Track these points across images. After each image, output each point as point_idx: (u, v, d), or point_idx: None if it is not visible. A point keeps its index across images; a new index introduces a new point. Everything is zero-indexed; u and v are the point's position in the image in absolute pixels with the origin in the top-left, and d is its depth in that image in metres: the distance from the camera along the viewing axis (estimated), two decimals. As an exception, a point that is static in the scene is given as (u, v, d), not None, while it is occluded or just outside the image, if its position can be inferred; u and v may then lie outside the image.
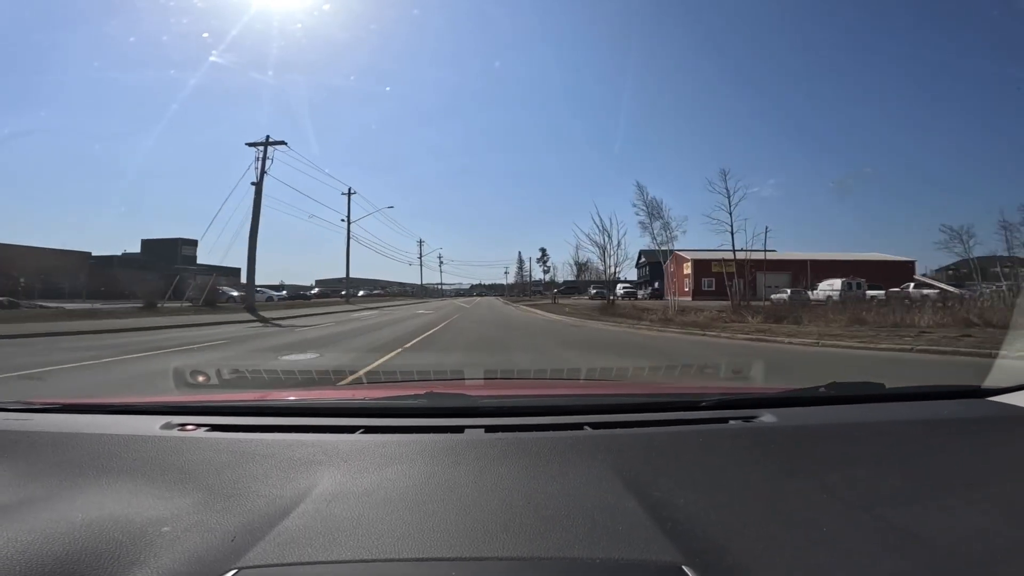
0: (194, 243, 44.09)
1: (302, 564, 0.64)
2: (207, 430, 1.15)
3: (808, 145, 73.00)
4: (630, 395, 1.63)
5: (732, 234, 20.13)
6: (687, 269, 43.71)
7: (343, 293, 65.24)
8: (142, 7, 40.08)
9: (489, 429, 1.11)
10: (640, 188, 22.46)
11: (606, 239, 25.42)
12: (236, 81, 68.92)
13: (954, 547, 0.68)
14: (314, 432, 1.12)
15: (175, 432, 1.14)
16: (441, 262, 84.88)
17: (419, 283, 72.13)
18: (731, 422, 1.16)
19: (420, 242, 67.54)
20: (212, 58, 29.96)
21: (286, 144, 24.10)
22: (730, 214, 19.69)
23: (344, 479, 0.88)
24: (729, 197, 19.63)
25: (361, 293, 66.71)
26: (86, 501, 0.81)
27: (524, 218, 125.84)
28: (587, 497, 0.80)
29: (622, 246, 25.39)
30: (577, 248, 71.04)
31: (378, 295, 65.31)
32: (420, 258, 66.97)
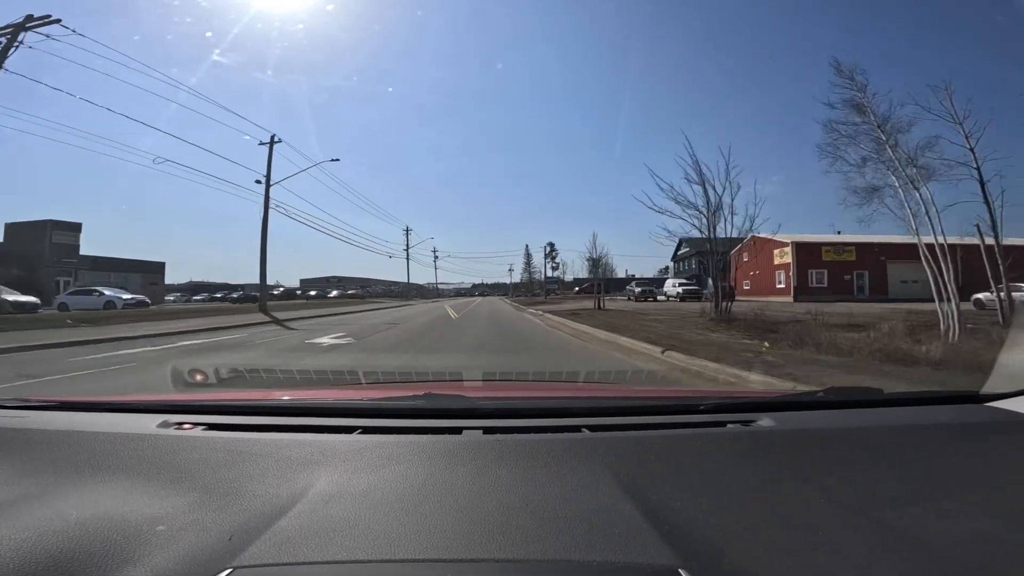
0: (76, 227, 32.30)
1: (298, 564, 0.64)
2: (204, 429, 1.14)
3: (810, 142, 67.95)
4: (629, 398, 1.62)
5: (982, 183, 8.82)
6: (782, 257, 30.29)
7: (307, 293, 53.54)
8: (147, 7, 39.12)
9: (487, 431, 1.09)
10: (843, 69, 9.46)
11: (713, 195, 12.72)
12: (238, 80, 65.33)
13: (952, 550, 0.68)
14: (312, 432, 1.11)
15: (172, 431, 1.13)
16: (436, 256, 72.48)
17: (407, 281, 59.35)
18: (729, 426, 1.15)
19: (407, 230, 55.01)
20: (215, 57, 27.87)
21: (64, 25, 11.88)
22: (971, 149, 8.81)
23: (341, 479, 0.87)
24: (960, 123, 8.85)
25: (333, 293, 55.44)
26: (81, 499, 0.80)
27: (527, 218, 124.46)
28: (584, 500, 0.79)
29: (735, 211, 12.80)
30: (595, 238, 59.75)
31: (351, 296, 53.04)
32: (407, 249, 54.15)
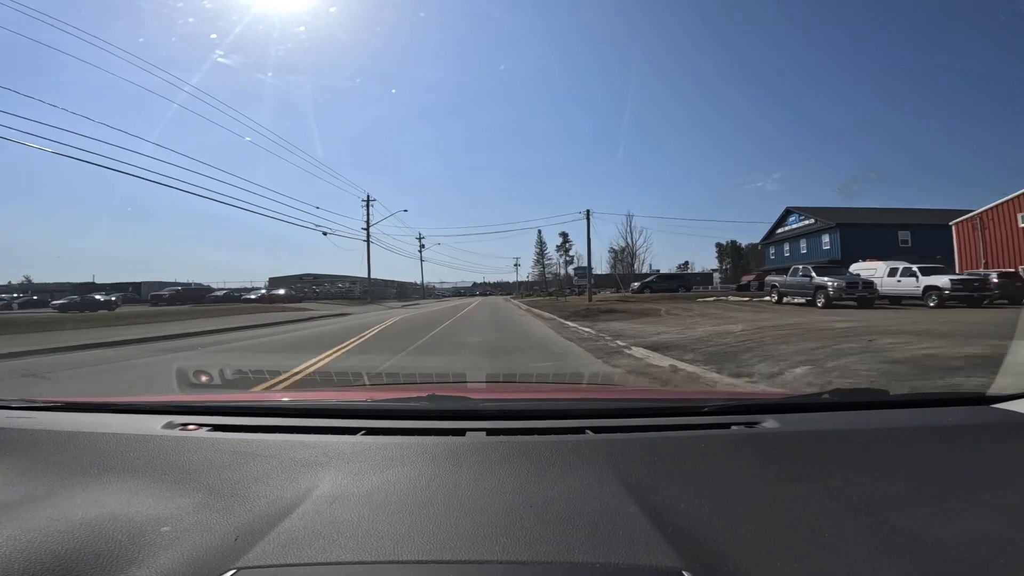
0: None
1: (302, 565, 0.64)
2: (209, 430, 1.14)
3: (811, 139, 70.47)
4: (632, 400, 1.60)
5: None
6: None
7: (215, 295, 36.90)
8: (151, 8, 35.65)
9: (491, 432, 1.09)
10: None
11: None
12: (240, 81, 62.15)
13: (958, 551, 0.68)
14: (316, 433, 1.11)
15: (177, 432, 1.13)
16: (422, 245, 55.30)
17: (379, 276, 42.18)
18: (733, 428, 1.14)
19: (368, 200, 37.80)
20: (218, 58, 24.45)
21: None
22: None
23: (345, 480, 0.87)
24: None
25: (259, 294, 38.54)
26: (87, 500, 0.81)
27: (529, 216, 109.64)
28: (588, 501, 0.79)
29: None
30: (629, 221, 44.00)
31: (269, 301, 35.65)
32: (367, 228, 36.99)
